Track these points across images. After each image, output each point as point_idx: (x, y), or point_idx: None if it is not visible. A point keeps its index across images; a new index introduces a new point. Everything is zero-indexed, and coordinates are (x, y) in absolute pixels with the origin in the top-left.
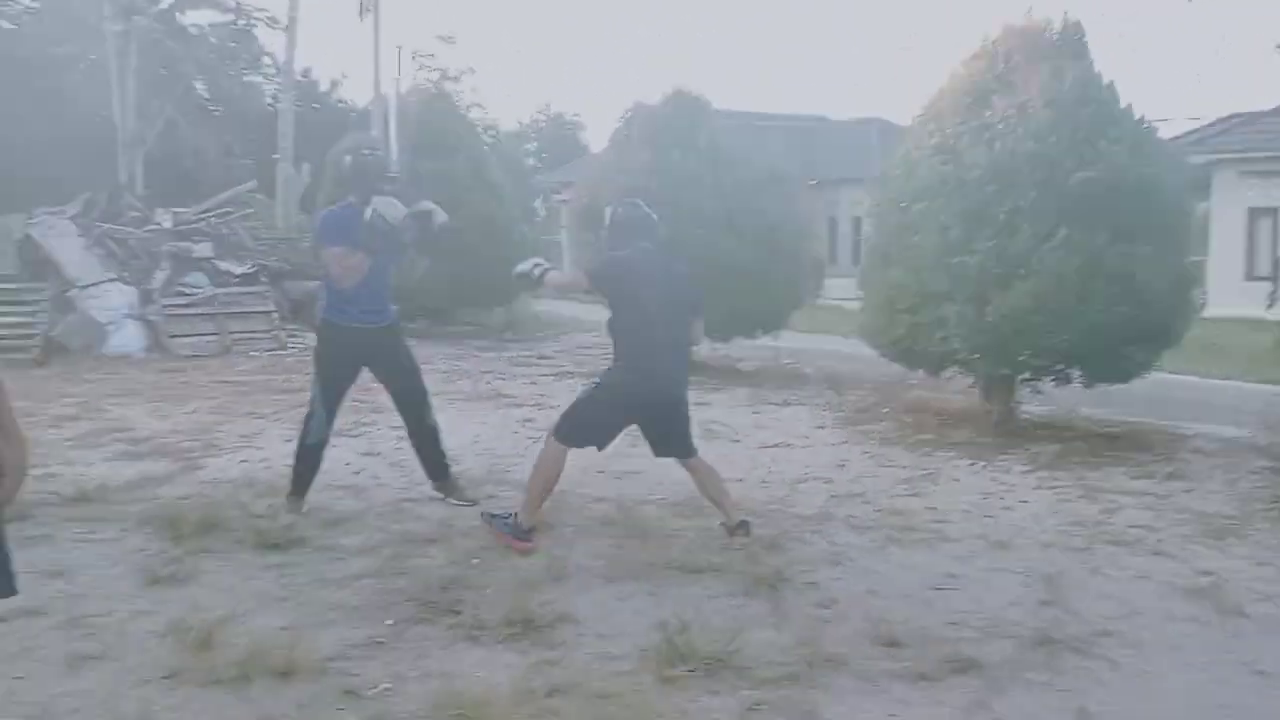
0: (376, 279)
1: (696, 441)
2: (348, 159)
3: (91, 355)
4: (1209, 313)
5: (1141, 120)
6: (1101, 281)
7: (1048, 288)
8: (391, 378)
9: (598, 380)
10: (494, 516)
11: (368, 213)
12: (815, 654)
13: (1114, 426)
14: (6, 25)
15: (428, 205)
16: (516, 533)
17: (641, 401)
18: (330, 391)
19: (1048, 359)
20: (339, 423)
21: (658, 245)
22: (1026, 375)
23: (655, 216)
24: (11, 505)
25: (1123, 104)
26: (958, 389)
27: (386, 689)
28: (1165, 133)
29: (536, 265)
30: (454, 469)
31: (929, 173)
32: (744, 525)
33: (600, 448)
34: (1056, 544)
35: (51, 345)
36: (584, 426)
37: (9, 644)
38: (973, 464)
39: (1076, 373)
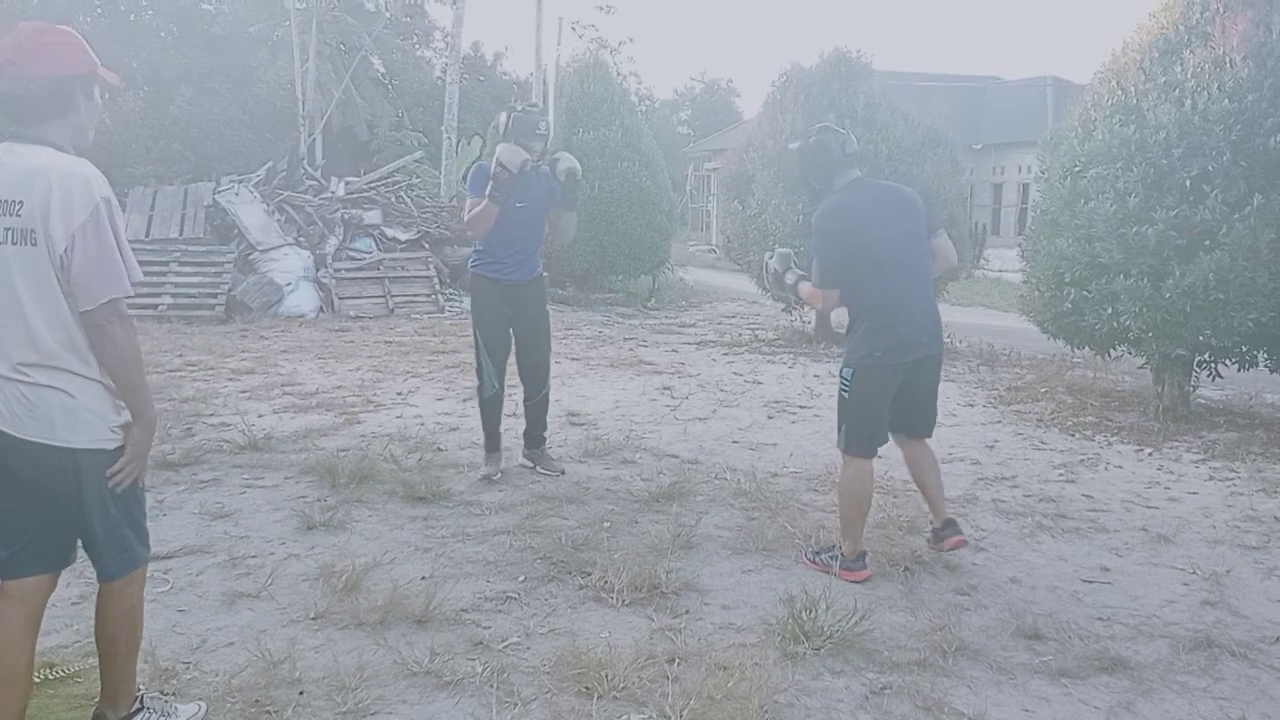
0: (518, 233)
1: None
2: (503, 114)
3: (269, 314)
4: None
5: None
6: None
7: (1236, 261)
8: (523, 336)
9: (844, 367)
10: (817, 554)
11: (492, 162)
12: (949, 641)
13: None
14: (208, 7)
15: (559, 154)
16: (845, 564)
17: (899, 370)
18: (491, 341)
19: (1231, 339)
20: None
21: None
22: (1205, 357)
23: (853, 137)
24: (172, 458)
25: None
26: (1125, 370)
27: (514, 643)
28: None
29: (790, 271)
30: (594, 432)
31: (1108, 134)
32: (952, 525)
33: (881, 443)
34: (1226, 540)
35: (233, 304)
36: (860, 429)
37: (176, 579)
38: (1138, 450)
39: (1263, 355)
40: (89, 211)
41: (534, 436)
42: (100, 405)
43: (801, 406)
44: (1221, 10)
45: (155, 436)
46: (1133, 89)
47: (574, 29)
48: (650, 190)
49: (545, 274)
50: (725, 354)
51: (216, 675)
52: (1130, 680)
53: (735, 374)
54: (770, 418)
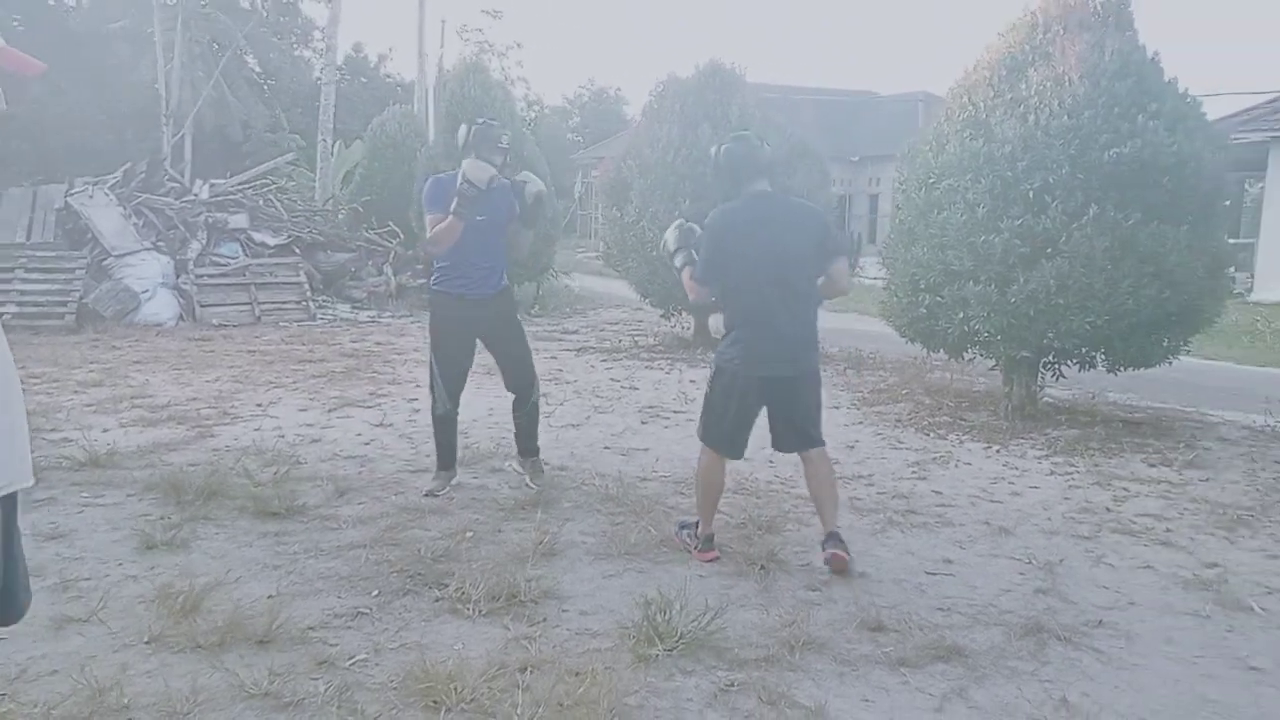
0: (481, 248)
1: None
2: (463, 128)
3: (124, 323)
4: (1257, 297)
5: (1185, 95)
6: (1131, 262)
7: (1074, 268)
8: (499, 349)
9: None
10: (682, 527)
11: (458, 178)
12: (797, 636)
13: (1138, 412)
14: (69, 1)
15: (524, 175)
16: (699, 545)
17: (750, 382)
18: (445, 361)
19: (1071, 342)
20: (355, 393)
21: (777, 183)
22: (1049, 358)
23: (768, 148)
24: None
25: (1168, 77)
26: (979, 371)
27: (362, 660)
28: (1222, 108)
29: (682, 251)
30: (463, 441)
31: (959, 148)
32: (833, 538)
33: (734, 450)
34: (1061, 531)
35: (85, 312)
36: (710, 422)
37: None
38: (987, 448)
39: (1101, 356)
40: None
41: (525, 446)
42: None
43: (675, 411)
44: (1061, 32)
45: None
46: (982, 105)
47: (460, 34)
48: None
49: (508, 284)
50: (604, 360)
51: (35, 707)
52: (964, 667)
53: (612, 380)
54: (644, 423)
